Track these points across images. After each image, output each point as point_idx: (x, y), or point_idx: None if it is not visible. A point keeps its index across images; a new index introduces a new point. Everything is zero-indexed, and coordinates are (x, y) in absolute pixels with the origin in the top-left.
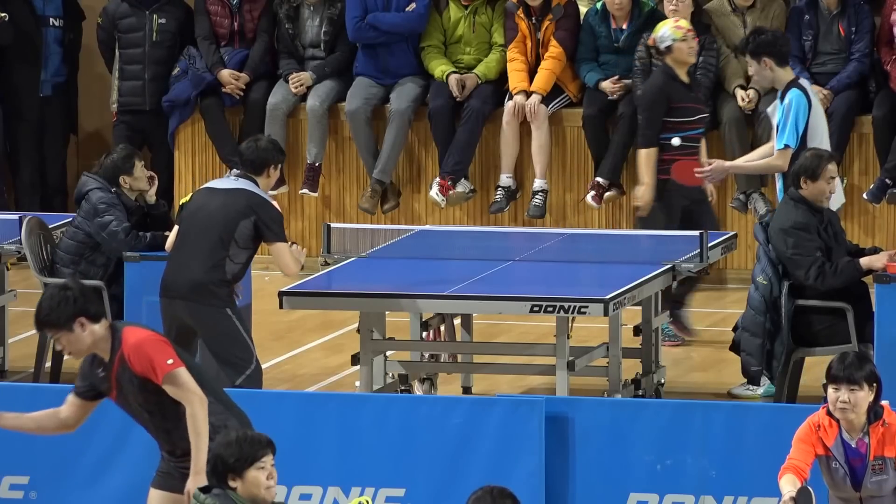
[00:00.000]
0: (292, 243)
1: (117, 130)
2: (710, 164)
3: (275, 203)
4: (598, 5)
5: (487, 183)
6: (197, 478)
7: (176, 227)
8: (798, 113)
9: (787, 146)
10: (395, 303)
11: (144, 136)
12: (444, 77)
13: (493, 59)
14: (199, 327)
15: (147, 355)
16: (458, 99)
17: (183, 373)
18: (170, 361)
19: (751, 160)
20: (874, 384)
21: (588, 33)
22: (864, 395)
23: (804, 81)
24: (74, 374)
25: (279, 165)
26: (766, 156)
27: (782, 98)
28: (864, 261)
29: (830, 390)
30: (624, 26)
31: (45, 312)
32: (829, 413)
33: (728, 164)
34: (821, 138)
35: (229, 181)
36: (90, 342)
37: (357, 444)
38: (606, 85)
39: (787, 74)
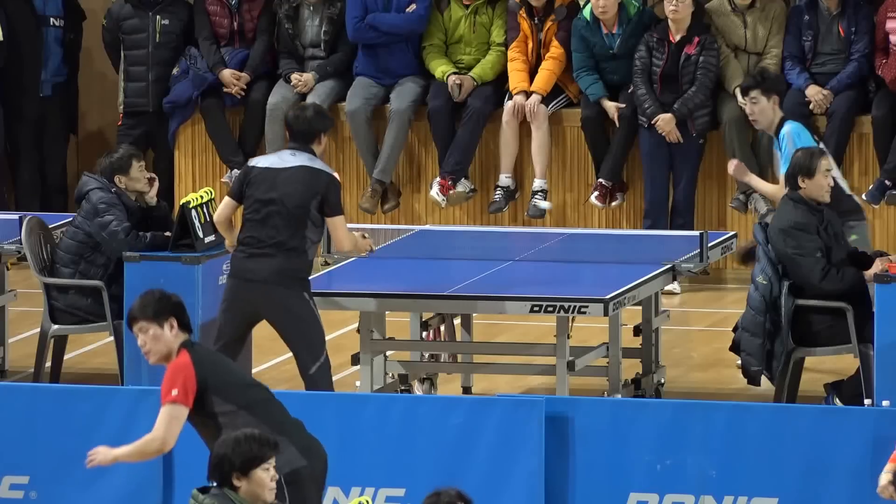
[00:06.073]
0: (363, 235)
1: (122, 132)
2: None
3: (336, 175)
4: (586, 13)
5: (487, 183)
6: (109, 453)
7: (227, 199)
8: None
9: None
10: (395, 303)
11: (149, 138)
12: (445, 77)
13: (489, 61)
14: (276, 312)
15: (165, 378)
16: (456, 101)
17: (172, 410)
18: (174, 392)
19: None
20: None
21: (581, 43)
22: None
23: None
24: (74, 375)
25: (328, 131)
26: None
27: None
28: (868, 274)
29: None
30: (614, 30)
31: (143, 303)
32: None
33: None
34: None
35: (287, 157)
36: (171, 348)
37: (357, 444)
38: (610, 107)
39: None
